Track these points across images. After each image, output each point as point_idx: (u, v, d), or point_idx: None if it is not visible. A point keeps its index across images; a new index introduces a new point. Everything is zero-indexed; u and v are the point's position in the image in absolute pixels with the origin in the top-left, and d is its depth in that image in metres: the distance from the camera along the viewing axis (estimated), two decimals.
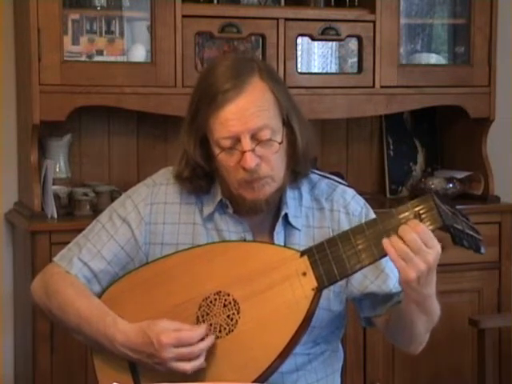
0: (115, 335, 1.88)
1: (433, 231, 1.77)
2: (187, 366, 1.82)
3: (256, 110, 1.88)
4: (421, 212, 1.78)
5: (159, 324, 1.84)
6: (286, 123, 1.94)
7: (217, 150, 1.92)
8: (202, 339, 1.83)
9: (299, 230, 2.01)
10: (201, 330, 1.84)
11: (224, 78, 1.90)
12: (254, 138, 1.88)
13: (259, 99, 1.89)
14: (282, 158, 1.94)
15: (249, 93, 1.89)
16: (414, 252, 1.74)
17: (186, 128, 1.99)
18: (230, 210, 1.99)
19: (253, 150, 1.87)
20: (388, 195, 3.67)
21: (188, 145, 1.97)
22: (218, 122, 1.89)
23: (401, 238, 1.75)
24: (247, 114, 1.87)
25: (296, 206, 2.02)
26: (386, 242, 1.76)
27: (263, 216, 2.00)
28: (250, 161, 1.87)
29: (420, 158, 3.75)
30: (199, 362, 1.83)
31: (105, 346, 1.91)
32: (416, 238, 1.74)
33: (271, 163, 1.91)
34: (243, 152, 1.88)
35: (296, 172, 2.00)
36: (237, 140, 1.88)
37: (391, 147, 3.69)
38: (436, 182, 3.51)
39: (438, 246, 1.77)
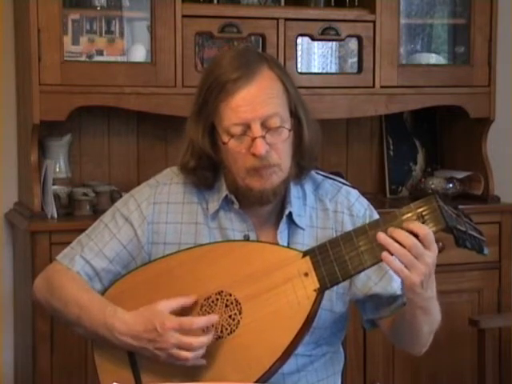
0: (115, 324, 1.87)
1: (436, 233, 1.77)
2: (189, 354, 1.82)
3: (266, 98, 1.89)
4: (424, 213, 1.78)
5: (159, 307, 1.84)
6: (294, 114, 1.95)
7: (226, 138, 1.92)
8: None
9: (303, 229, 2.00)
10: (205, 319, 1.83)
11: (232, 67, 1.91)
12: (264, 125, 1.89)
13: (269, 87, 1.91)
14: (289, 147, 1.95)
15: (259, 81, 1.90)
16: (415, 257, 1.74)
17: (192, 119, 1.99)
18: (236, 206, 1.99)
19: (263, 137, 1.88)
20: (388, 195, 3.67)
21: (195, 134, 1.97)
22: (229, 109, 1.90)
23: (400, 244, 1.75)
24: (258, 101, 1.88)
25: (300, 205, 2.02)
26: (385, 255, 1.76)
27: (268, 213, 2.00)
28: (261, 147, 1.88)
29: (420, 157, 3.74)
30: (200, 352, 1.82)
31: (105, 337, 1.90)
32: (416, 242, 1.74)
33: (280, 151, 1.92)
34: (254, 138, 1.88)
35: (300, 166, 2.00)
36: (247, 127, 1.89)
37: (391, 147, 3.69)
38: (436, 182, 3.51)
39: (435, 247, 1.77)
